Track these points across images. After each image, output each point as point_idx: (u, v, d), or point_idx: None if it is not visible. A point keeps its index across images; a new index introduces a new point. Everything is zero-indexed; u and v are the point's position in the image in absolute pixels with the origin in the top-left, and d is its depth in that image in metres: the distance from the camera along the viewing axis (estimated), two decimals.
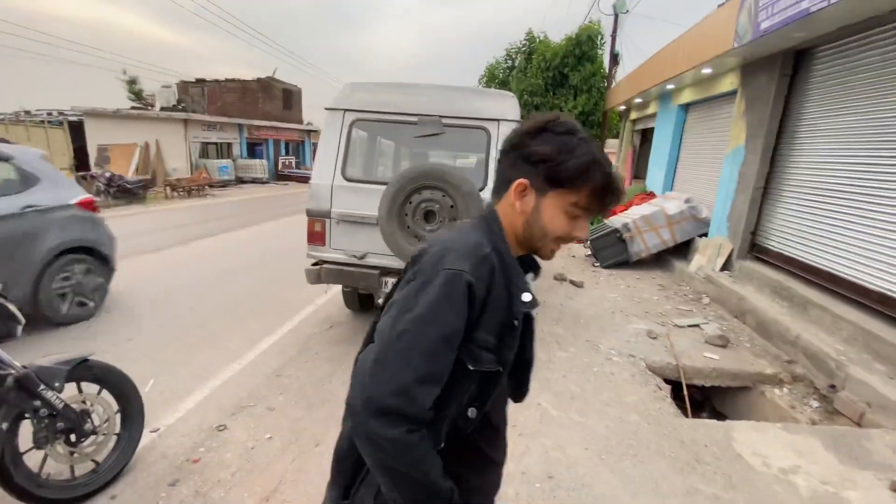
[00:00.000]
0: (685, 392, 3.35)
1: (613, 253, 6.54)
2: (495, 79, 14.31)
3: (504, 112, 2.95)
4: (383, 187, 2.88)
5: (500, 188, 0.84)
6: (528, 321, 0.84)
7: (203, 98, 23.40)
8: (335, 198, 3.06)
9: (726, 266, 5.41)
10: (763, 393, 3.35)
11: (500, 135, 2.92)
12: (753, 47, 4.63)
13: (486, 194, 2.89)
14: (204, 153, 18.79)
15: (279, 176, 22.65)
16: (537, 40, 13.22)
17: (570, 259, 6.92)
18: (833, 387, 3.12)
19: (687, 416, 2.94)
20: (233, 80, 23.96)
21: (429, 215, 2.83)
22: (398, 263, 3.01)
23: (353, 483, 0.81)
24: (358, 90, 3.15)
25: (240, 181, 19.70)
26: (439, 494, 0.73)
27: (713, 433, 2.56)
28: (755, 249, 5.21)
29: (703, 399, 3.68)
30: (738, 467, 2.27)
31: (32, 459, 1.83)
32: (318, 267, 3.16)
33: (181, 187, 14.12)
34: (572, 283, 5.58)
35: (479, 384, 0.78)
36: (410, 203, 2.81)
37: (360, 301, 4.01)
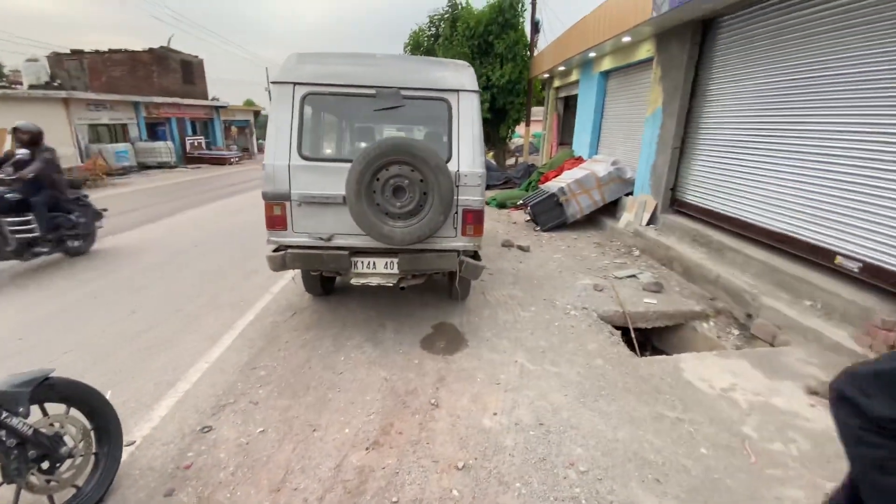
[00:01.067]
0: (633, 335, 3.77)
1: (552, 217, 6.93)
2: (420, 46, 13.99)
3: (463, 82, 2.96)
4: (346, 165, 2.81)
5: None
6: None
7: (83, 73, 20.29)
8: (294, 179, 2.92)
9: (652, 220, 6.00)
10: (694, 328, 3.86)
11: (461, 106, 2.95)
12: (668, 17, 5.02)
13: (452, 166, 2.93)
14: (95, 137, 16.48)
15: (188, 159, 20.61)
16: (460, 7, 13.06)
17: (513, 225, 7.23)
18: (749, 315, 3.70)
19: (638, 355, 3.33)
20: (118, 52, 20.95)
21: (398, 191, 2.82)
22: (369, 242, 2.98)
23: None
24: (307, 61, 2.97)
25: (143, 167, 17.64)
26: None
27: (664, 367, 2.94)
28: (675, 204, 5.82)
29: (644, 339, 4.16)
30: (690, 392, 2.65)
31: (5, 498, 1.65)
32: (281, 253, 3.02)
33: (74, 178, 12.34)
34: (520, 248, 5.87)
35: None
36: (378, 180, 2.77)
37: (323, 284, 3.92)
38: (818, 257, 3.68)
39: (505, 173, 11.60)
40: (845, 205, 3.48)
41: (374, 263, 3.06)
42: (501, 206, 8.87)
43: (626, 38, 6.45)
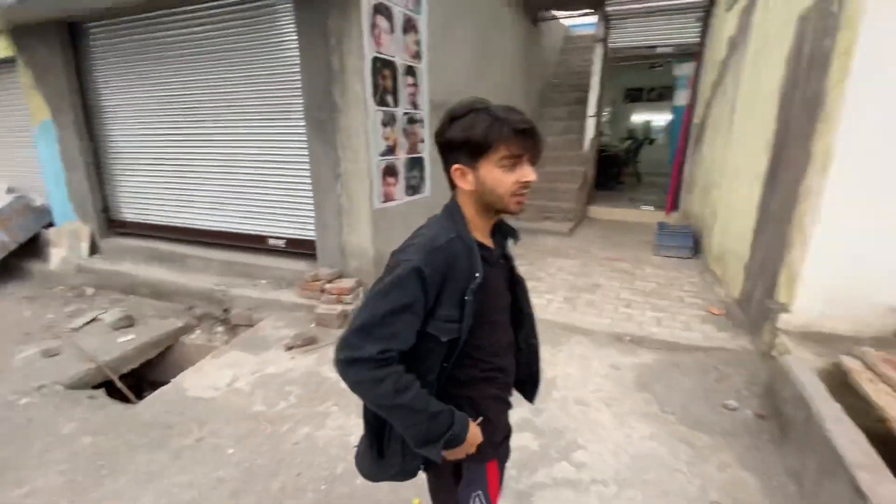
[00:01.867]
0: (119, 385, 3.24)
1: None
2: None
3: None
4: None
5: (450, 181, 0.98)
6: (519, 283, 1.12)
7: None
8: None
9: (94, 250, 5.13)
10: (184, 343, 3.81)
11: None
12: (14, 12, 4.07)
13: None
14: None
15: None
16: None
17: None
18: (227, 310, 4.04)
19: (136, 401, 2.92)
20: None
21: None
22: None
23: (382, 442, 1.01)
24: None
25: None
26: (437, 417, 0.91)
27: (167, 397, 2.75)
28: (115, 225, 5.22)
29: (137, 381, 3.68)
30: (200, 406, 2.64)
31: None
32: None
33: None
34: None
35: (449, 348, 0.95)
36: None
37: None
38: (256, 243, 4.48)
39: None
40: (262, 198, 4.36)
41: None
42: None
43: None
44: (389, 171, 3.96)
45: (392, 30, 3.76)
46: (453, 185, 0.98)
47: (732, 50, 4.57)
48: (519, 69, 7.11)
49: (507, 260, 1.10)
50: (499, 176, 0.90)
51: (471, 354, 0.99)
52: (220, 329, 3.97)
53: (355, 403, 2.69)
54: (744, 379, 2.72)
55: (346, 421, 2.52)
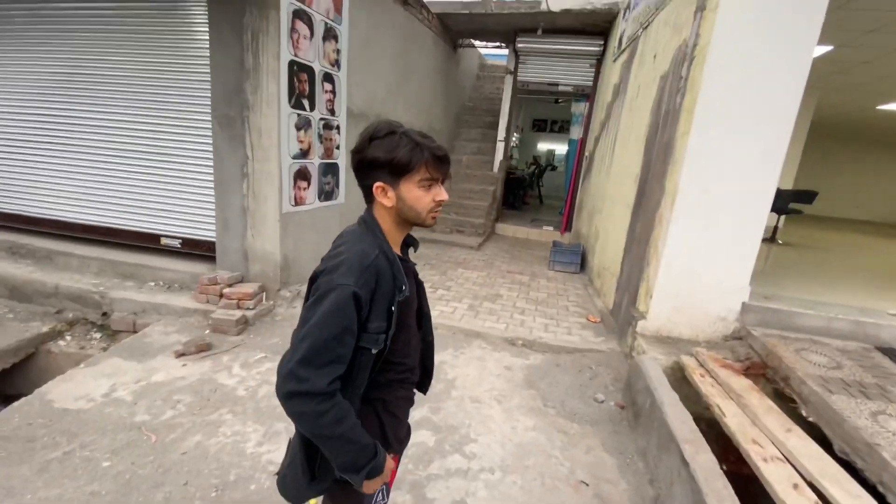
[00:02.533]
0: None
1: None
2: None
3: None
4: None
5: (367, 196, 1.03)
6: (420, 286, 1.18)
7: None
8: None
9: None
10: (50, 350, 3.36)
11: None
12: None
13: None
14: None
15: None
16: None
17: None
18: (105, 314, 3.65)
19: None
20: None
21: None
22: None
23: (314, 466, 1.03)
24: None
25: None
26: (365, 449, 0.97)
27: (29, 409, 2.43)
28: None
29: None
30: (69, 419, 2.37)
31: None
32: None
33: None
34: None
35: (376, 359, 1.01)
36: None
37: None
38: (147, 242, 4.12)
39: None
40: (156, 193, 4.03)
41: None
42: None
43: None
44: (301, 175, 3.94)
45: (311, 36, 3.79)
46: (369, 200, 1.04)
47: (616, 95, 5.33)
48: (439, 89, 7.45)
49: (407, 265, 1.14)
50: (418, 194, 0.99)
51: (388, 359, 1.04)
52: (96, 336, 3.56)
53: (252, 409, 2.64)
54: (611, 376, 3.17)
55: (241, 427, 2.45)
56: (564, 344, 3.55)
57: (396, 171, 0.97)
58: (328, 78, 4.13)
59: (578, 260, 5.77)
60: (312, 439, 0.96)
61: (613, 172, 4.86)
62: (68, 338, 3.49)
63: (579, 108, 7.49)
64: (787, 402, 2.43)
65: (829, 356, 2.66)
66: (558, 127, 13.70)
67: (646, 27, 4.29)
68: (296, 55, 3.64)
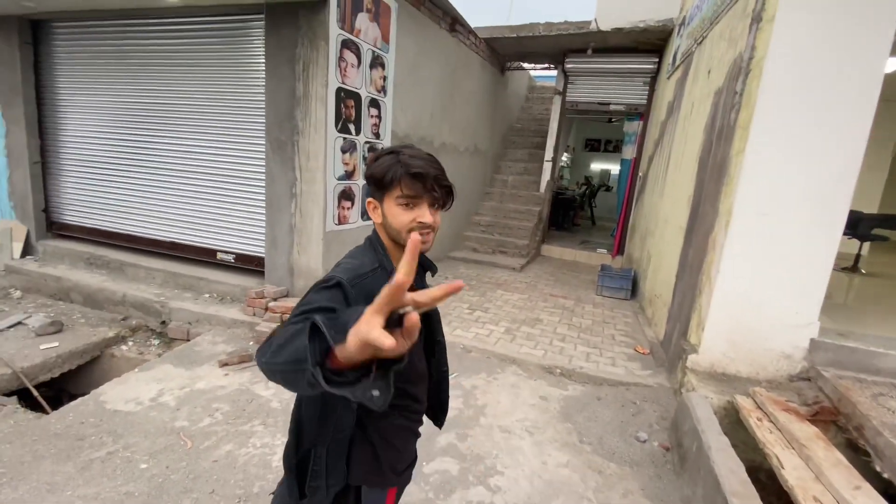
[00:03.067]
0: (35, 393, 3.07)
1: None
2: None
3: None
4: None
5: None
6: (434, 313, 1.14)
7: None
8: None
9: (28, 251, 4.89)
10: (113, 354, 3.65)
11: None
12: None
13: None
14: None
15: None
16: None
17: None
18: (164, 322, 3.93)
19: (49, 411, 2.77)
20: None
21: None
22: None
23: (304, 481, 1.00)
24: None
25: None
26: (299, 335, 0.67)
27: (84, 409, 2.64)
28: (54, 227, 5.02)
29: (58, 392, 3.48)
30: (118, 420, 2.55)
31: None
32: None
33: None
34: None
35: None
36: None
37: None
38: (205, 256, 4.42)
39: None
40: (215, 211, 4.34)
41: None
42: None
43: None
44: (345, 196, 4.08)
45: (359, 64, 3.97)
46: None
47: (670, 113, 5.08)
48: (485, 112, 7.52)
49: (422, 289, 1.09)
50: (396, 212, 0.97)
51: None
52: (154, 342, 3.84)
53: (283, 422, 2.68)
54: (657, 414, 2.91)
55: (271, 440, 2.50)
56: (607, 376, 3.33)
57: (378, 187, 0.99)
58: (374, 103, 4.29)
59: (629, 286, 5.46)
60: (278, 363, 0.70)
61: (666, 193, 4.59)
62: (130, 343, 3.79)
63: (632, 126, 7.23)
64: (860, 454, 2.09)
65: None
66: (612, 147, 13.29)
67: (700, 42, 4.09)
68: (343, 82, 3.83)
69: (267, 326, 3.66)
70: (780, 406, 2.39)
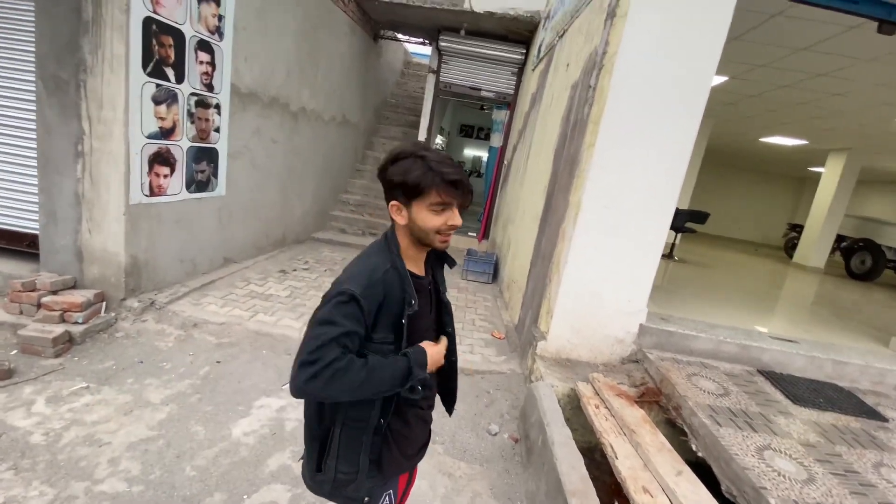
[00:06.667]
0: None
1: None
2: None
3: None
4: None
5: (390, 214, 1.06)
6: (445, 306, 1.23)
7: None
8: None
9: None
10: None
11: None
12: None
13: None
14: None
15: None
16: None
17: None
18: None
19: None
20: None
21: None
22: None
23: (321, 457, 1.09)
24: None
25: None
26: (396, 365, 1.01)
27: None
28: None
29: None
30: None
31: None
32: None
33: None
34: None
35: None
36: None
37: None
38: None
39: None
40: None
41: None
42: None
43: None
44: (161, 160, 3.25)
45: None
46: (391, 219, 1.09)
47: (533, 105, 5.22)
48: (355, 80, 6.93)
49: (435, 284, 1.20)
50: (427, 217, 1.01)
51: None
52: None
53: (46, 464, 1.98)
54: (508, 403, 2.92)
55: (22, 490, 1.81)
56: (464, 364, 3.25)
57: (409, 193, 1.00)
58: (205, 46, 3.47)
59: (491, 270, 5.58)
60: (356, 394, 0.96)
61: (526, 183, 4.71)
62: None
63: (500, 115, 7.39)
64: (680, 432, 2.31)
65: (718, 381, 2.63)
66: (484, 134, 13.72)
67: (561, 35, 4.19)
68: (156, 12, 2.97)
69: (37, 329, 2.73)
70: (615, 391, 2.54)
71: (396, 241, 1.07)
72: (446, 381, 1.31)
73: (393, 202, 1.04)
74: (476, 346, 3.61)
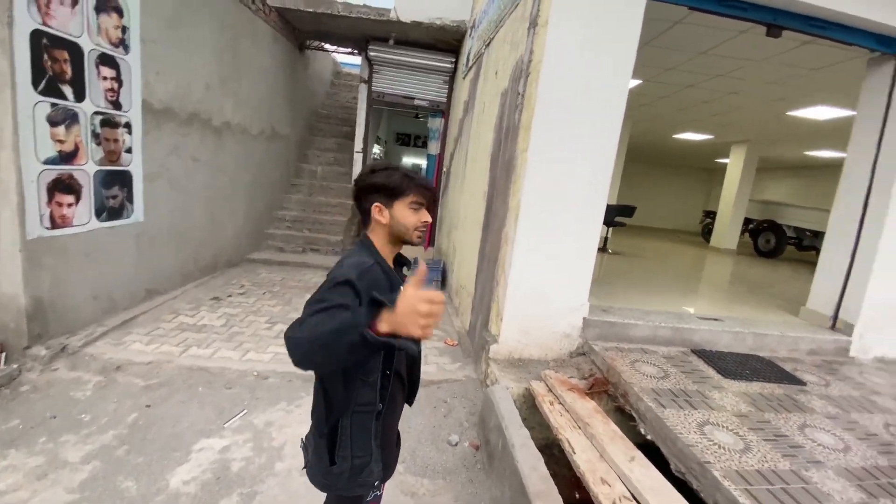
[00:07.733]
0: None
1: None
2: None
3: None
4: None
5: (366, 220, 1.22)
6: None
7: None
8: None
9: None
10: None
11: None
12: None
13: None
14: None
15: None
16: None
17: None
18: None
19: None
20: None
21: None
22: None
23: (333, 451, 1.16)
24: None
25: None
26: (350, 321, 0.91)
27: None
28: None
29: None
30: None
31: None
32: None
33: None
34: None
35: (385, 354, 1.16)
36: None
37: None
38: None
39: None
40: None
41: None
42: None
43: None
44: (63, 186, 2.91)
45: (74, 2, 2.84)
46: (367, 223, 1.22)
47: (466, 112, 5.31)
48: (282, 91, 6.67)
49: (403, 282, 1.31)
50: (407, 214, 1.17)
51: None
52: None
53: None
54: (466, 410, 2.91)
55: None
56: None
57: (390, 194, 1.16)
58: (108, 61, 3.17)
59: (439, 276, 5.57)
60: (322, 346, 0.91)
61: (466, 189, 4.77)
62: None
63: (435, 123, 7.44)
64: (629, 417, 2.42)
65: (658, 365, 2.79)
66: (421, 142, 13.78)
67: (488, 44, 4.30)
68: (46, 24, 2.67)
69: None
70: (566, 386, 2.61)
71: (373, 245, 1.20)
72: (410, 372, 1.36)
73: (375, 204, 1.17)
74: (430, 355, 3.57)
